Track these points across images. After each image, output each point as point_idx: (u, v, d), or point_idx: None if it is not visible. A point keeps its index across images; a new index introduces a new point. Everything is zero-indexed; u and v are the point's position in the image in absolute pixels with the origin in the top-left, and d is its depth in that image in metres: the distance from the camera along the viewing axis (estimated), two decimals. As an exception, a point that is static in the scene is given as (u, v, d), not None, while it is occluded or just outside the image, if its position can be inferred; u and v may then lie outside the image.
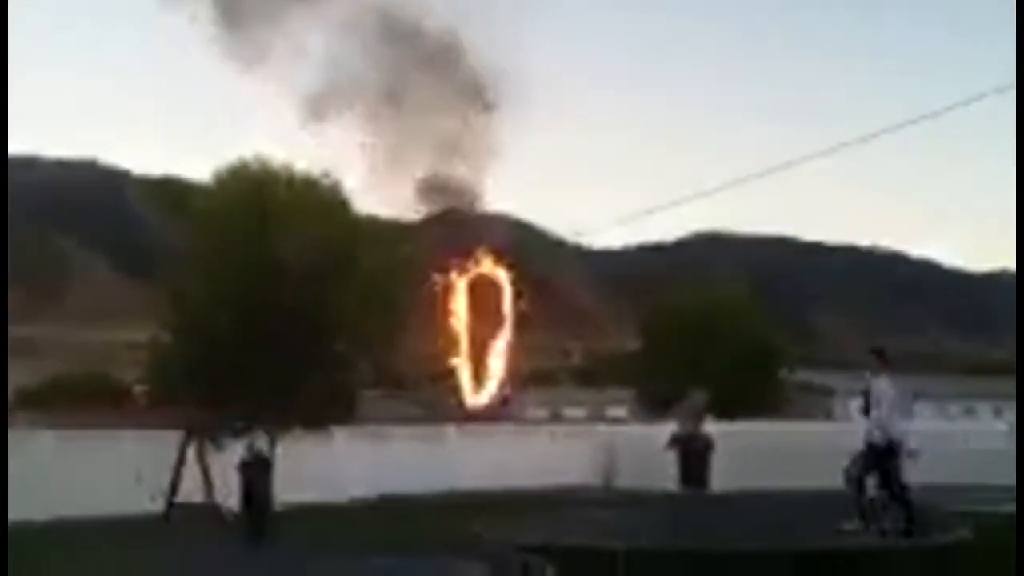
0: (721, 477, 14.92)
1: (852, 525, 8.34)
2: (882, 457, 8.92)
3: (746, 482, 15.16)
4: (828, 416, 42.08)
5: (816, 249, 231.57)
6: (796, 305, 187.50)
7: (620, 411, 48.18)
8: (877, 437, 8.99)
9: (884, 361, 9.57)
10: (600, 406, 52.02)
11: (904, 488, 8.68)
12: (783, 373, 42.17)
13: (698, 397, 15.36)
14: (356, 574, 7.60)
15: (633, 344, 44.05)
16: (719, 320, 39.57)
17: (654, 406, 38.94)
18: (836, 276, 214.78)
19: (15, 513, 17.72)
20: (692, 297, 41.40)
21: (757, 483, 14.99)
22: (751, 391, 37.37)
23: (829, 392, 45.81)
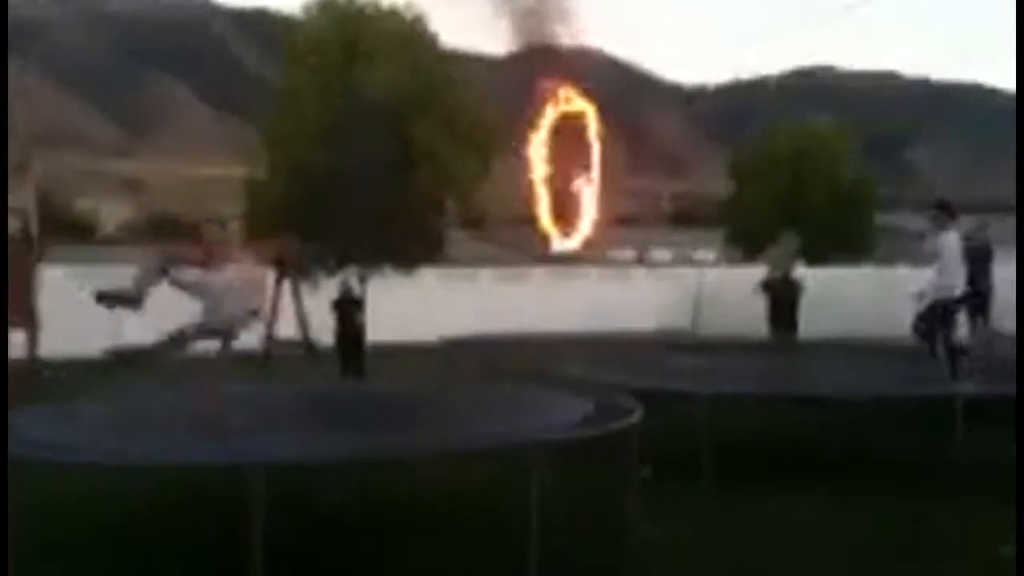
0: (809, 322, 14.83)
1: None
2: (948, 311, 8.92)
3: (833, 327, 15.02)
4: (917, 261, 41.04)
5: (921, 86, 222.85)
6: (897, 145, 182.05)
7: (709, 254, 47.87)
8: (943, 293, 8.88)
9: (951, 214, 9.38)
10: (689, 248, 51.76)
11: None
12: (877, 216, 41.17)
13: (790, 241, 15.14)
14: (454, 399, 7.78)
15: (727, 187, 43.25)
16: (811, 160, 38.49)
17: (743, 249, 38.55)
18: (941, 114, 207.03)
19: (124, 343, 18.54)
20: (785, 136, 40.22)
21: (845, 328, 14.83)
22: (841, 234, 36.64)
23: (920, 236, 44.52)
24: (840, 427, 9.47)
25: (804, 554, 5.97)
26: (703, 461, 7.08)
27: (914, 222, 53.93)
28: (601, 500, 6.80)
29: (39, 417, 6.59)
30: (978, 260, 13.87)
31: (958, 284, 9.05)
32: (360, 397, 8.49)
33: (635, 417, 6.15)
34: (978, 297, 13.61)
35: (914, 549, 6.06)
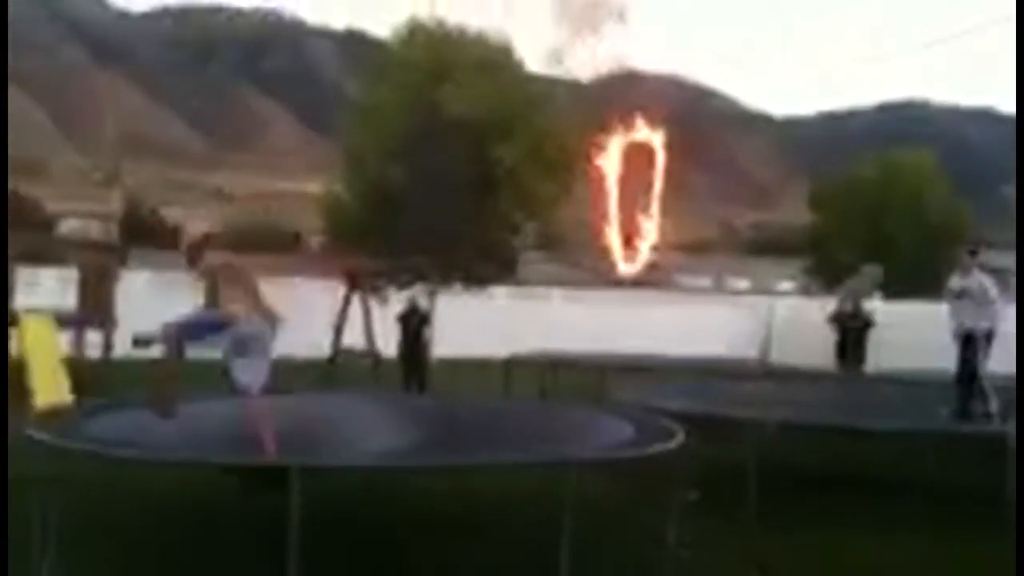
0: (884, 356, 14.58)
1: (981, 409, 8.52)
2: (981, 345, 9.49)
3: (909, 363, 14.73)
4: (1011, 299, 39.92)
5: (1014, 122, 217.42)
6: (994, 182, 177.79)
7: (788, 285, 47.31)
8: (983, 328, 9.47)
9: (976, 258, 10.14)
10: (768, 279, 51.19)
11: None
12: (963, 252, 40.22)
13: (870, 273, 14.91)
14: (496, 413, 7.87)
15: (808, 217, 42.70)
16: (895, 191, 37.72)
17: (824, 280, 37.96)
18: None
19: (194, 350, 19.04)
20: (869, 166, 39.51)
21: (918, 364, 14.53)
22: (927, 269, 35.81)
23: (1009, 273, 43.32)
24: (892, 461, 9.34)
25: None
26: (749, 489, 7.02)
27: (1006, 260, 52.70)
28: (642, 523, 6.79)
29: (102, 414, 6.83)
30: None
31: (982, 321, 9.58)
32: (412, 408, 8.62)
33: (676, 442, 6.15)
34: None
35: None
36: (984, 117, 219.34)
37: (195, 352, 6.06)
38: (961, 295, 9.50)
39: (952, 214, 38.50)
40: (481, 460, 5.76)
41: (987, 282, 9.71)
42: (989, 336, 9.54)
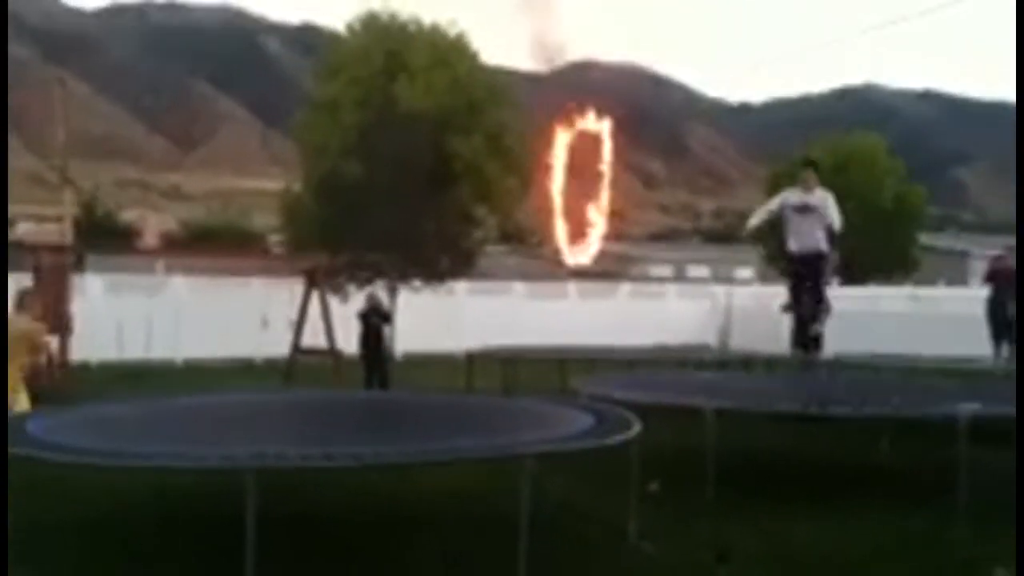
0: (838, 342, 14.76)
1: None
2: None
3: (865, 346, 14.92)
4: (961, 281, 40.59)
5: (967, 105, 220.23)
6: (946, 164, 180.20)
7: (747, 272, 47.64)
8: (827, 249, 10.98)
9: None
10: (726, 266, 51.54)
11: None
12: (922, 235, 40.67)
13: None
14: (457, 408, 7.91)
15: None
16: (849, 175, 38.06)
17: (781, 267, 38.30)
18: (988, 133, 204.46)
19: (156, 353, 18.94)
20: (822, 151, 39.84)
21: (876, 348, 14.74)
22: (882, 253, 36.23)
23: (962, 256, 44.09)
24: (847, 446, 9.50)
25: (803, 572, 5.98)
26: (707, 477, 7.10)
27: (959, 242, 53.37)
28: (601, 514, 6.84)
29: (53, 418, 6.77)
30: (1007, 281, 13.81)
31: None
32: (368, 404, 8.65)
33: (633, 432, 6.20)
34: (1006, 317, 13.56)
35: (918, 568, 6.04)
36: (935, 99, 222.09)
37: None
38: (804, 210, 9.95)
39: (906, 198, 38.98)
40: (437, 453, 5.79)
41: (830, 198, 10.20)
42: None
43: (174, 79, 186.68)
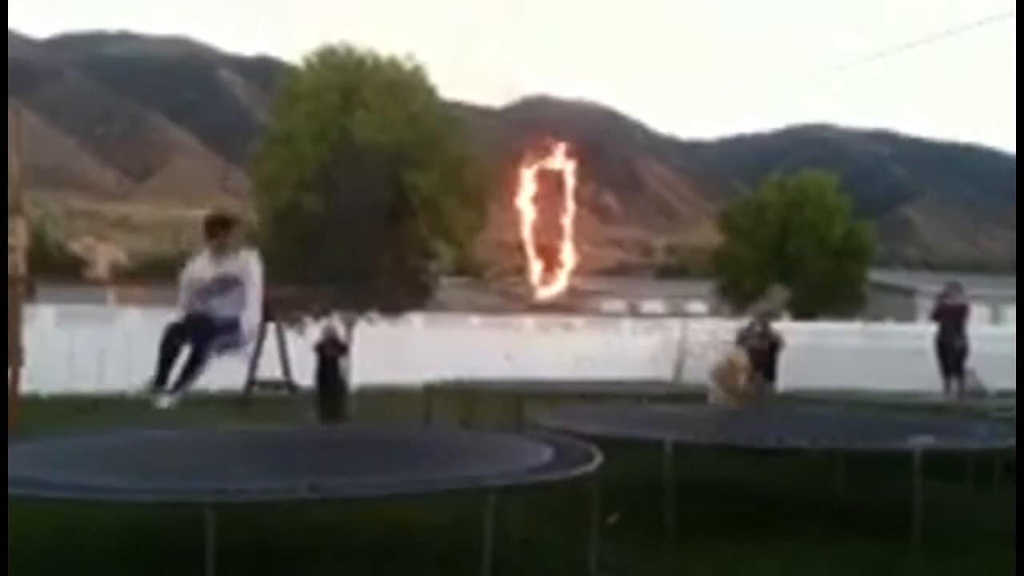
0: (791, 375, 14.94)
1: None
2: None
3: (816, 381, 15.14)
4: (909, 317, 41.21)
5: (916, 144, 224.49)
6: (894, 202, 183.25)
7: (700, 306, 48.06)
8: None
9: None
10: (680, 301, 51.95)
11: None
12: (870, 271, 41.35)
13: (778, 294, 15.26)
14: (415, 441, 7.90)
15: (718, 238, 43.58)
16: (801, 213, 38.71)
17: (734, 301, 38.73)
18: (936, 173, 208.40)
19: (108, 384, 18.67)
20: (774, 189, 40.50)
21: (828, 382, 14.95)
22: (832, 289, 36.78)
23: (910, 292, 44.83)
24: (803, 478, 9.61)
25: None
26: (666, 509, 7.14)
27: (909, 279, 54.22)
28: (561, 547, 6.85)
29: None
30: (954, 318, 14.09)
31: None
32: (327, 439, 8.60)
33: (593, 464, 6.24)
34: (953, 354, 13.82)
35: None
36: (884, 139, 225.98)
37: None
38: None
39: (855, 234, 39.68)
40: (398, 486, 5.77)
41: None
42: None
43: (126, 109, 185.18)
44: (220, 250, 7.78)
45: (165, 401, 7.18)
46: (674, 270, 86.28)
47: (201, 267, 7.90)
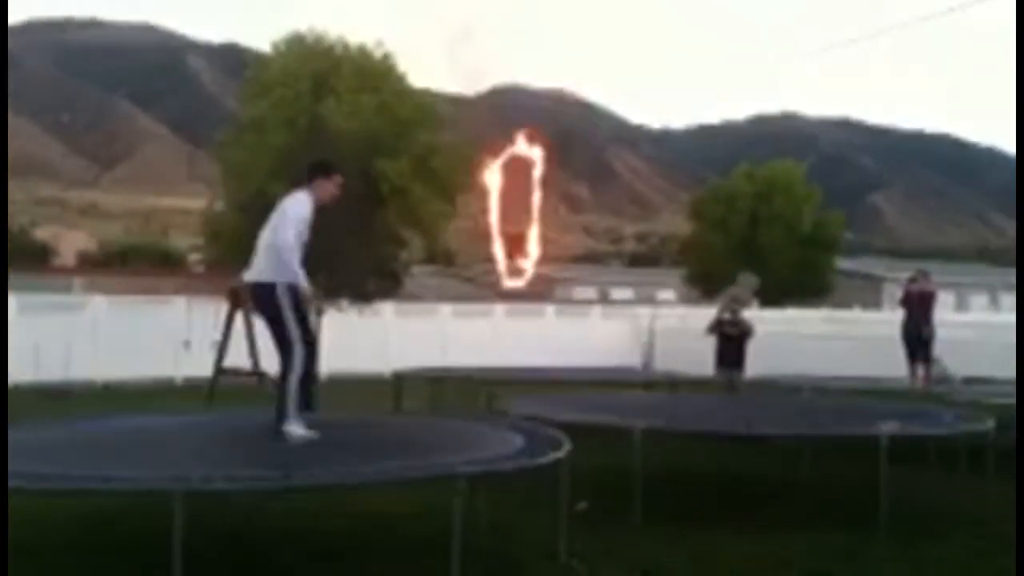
0: (761, 363, 15.02)
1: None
2: None
3: (785, 368, 15.22)
4: (876, 305, 41.63)
5: (885, 134, 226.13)
6: (862, 191, 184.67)
7: (670, 294, 48.27)
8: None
9: None
10: (650, 288, 52.14)
11: None
12: (838, 260, 41.67)
13: (748, 281, 15.29)
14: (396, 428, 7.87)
15: (688, 227, 43.75)
16: (770, 201, 38.95)
17: (703, 289, 38.90)
18: (904, 162, 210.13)
19: (74, 373, 18.51)
20: (744, 178, 40.69)
21: (796, 369, 15.03)
22: (800, 276, 37.04)
23: (877, 280, 45.31)
24: (770, 464, 9.67)
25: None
26: (635, 496, 7.16)
27: (876, 267, 54.70)
28: (530, 534, 6.86)
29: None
30: (920, 305, 14.22)
31: None
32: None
33: (562, 451, 6.24)
34: (920, 341, 13.95)
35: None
36: (853, 129, 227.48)
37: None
38: None
39: (824, 223, 39.95)
40: (367, 475, 5.75)
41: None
42: None
43: (94, 97, 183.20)
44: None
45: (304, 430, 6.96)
46: (644, 258, 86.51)
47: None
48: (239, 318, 15.67)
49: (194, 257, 41.04)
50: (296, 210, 7.26)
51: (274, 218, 7.24)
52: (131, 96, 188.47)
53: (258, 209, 21.56)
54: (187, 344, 15.81)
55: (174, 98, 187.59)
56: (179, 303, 20.34)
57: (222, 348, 15.53)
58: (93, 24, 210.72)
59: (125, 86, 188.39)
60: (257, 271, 7.20)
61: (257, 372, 15.25)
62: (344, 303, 19.67)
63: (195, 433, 7.84)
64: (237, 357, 15.45)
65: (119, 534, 6.89)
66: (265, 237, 7.22)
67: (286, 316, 6.92)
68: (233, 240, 23.87)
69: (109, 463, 6.08)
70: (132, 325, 19.55)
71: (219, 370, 15.55)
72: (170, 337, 19.01)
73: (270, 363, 14.66)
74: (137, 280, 23.58)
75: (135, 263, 40.04)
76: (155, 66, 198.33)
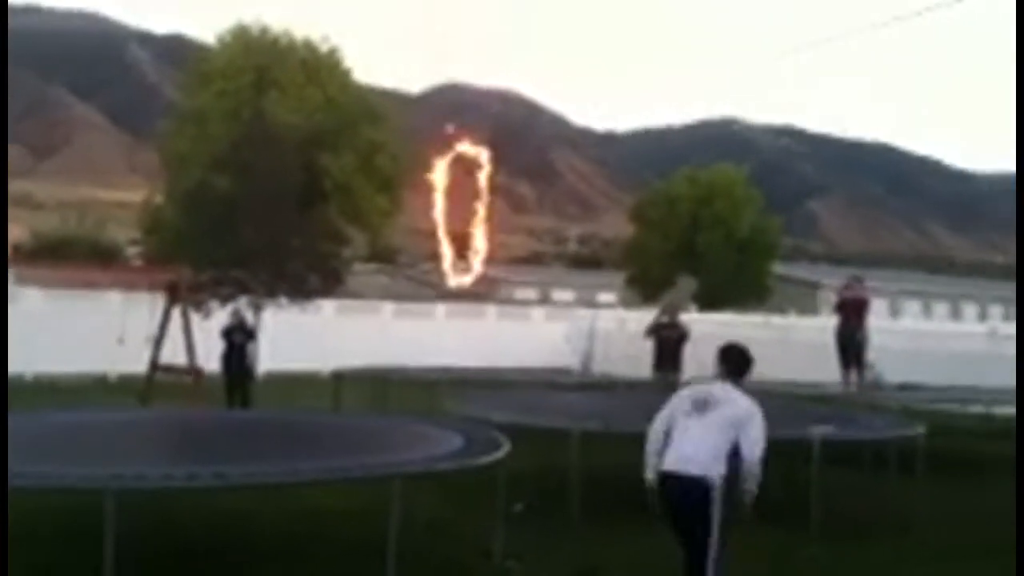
0: (698, 366, 15.16)
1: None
2: None
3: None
4: (812, 310, 42.18)
5: (823, 142, 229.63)
6: (801, 197, 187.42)
7: (610, 296, 48.47)
8: None
9: None
10: (591, 290, 52.35)
11: None
12: (775, 265, 42.13)
13: (685, 285, 15.43)
14: (318, 428, 7.82)
15: (631, 230, 44.00)
16: (710, 206, 39.29)
17: (644, 292, 39.15)
18: (842, 170, 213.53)
19: (8, 367, 18.08)
20: (684, 182, 41.01)
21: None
22: (738, 281, 37.41)
23: (813, 285, 45.94)
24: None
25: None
26: (572, 497, 7.21)
27: (812, 272, 55.44)
28: (467, 534, 6.87)
29: None
30: (855, 311, 14.45)
31: None
32: (231, 424, 8.47)
33: (501, 452, 6.26)
34: (854, 346, 14.17)
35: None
36: (792, 135, 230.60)
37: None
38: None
39: (762, 229, 40.42)
40: (304, 474, 5.72)
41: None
42: None
43: (30, 84, 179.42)
44: None
45: None
46: (587, 260, 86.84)
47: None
48: (176, 314, 15.49)
49: (132, 251, 40.37)
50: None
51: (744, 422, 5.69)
52: (69, 84, 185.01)
53: (198, 202, 21.36)
54: (121, 340, 15.52)
55: (114, 88, 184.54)
56: (114, 298, 19.97)
57: (158, 344, 15.31)
58: (32, 10, 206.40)
59: (63, 74, 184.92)
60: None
61: (194, 369, 15.08)
62: (284, 300, 19.47)
63: (130, 429, 7.74)
64: (173, 353, 15.28)
65: (55, 529, 6.76)
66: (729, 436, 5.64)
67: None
68: (172, 234, 23.57)
69: (41, 459, 5.97)
70: (66, 319, 19.18)
71: (154, 366, 15.34)
72: (105, 332, 18.67)
73: (207, 360, 14.60)
74: (72, 273, 23.08)
75: (70, 256, 39.21)
76: (95, 55, 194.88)
